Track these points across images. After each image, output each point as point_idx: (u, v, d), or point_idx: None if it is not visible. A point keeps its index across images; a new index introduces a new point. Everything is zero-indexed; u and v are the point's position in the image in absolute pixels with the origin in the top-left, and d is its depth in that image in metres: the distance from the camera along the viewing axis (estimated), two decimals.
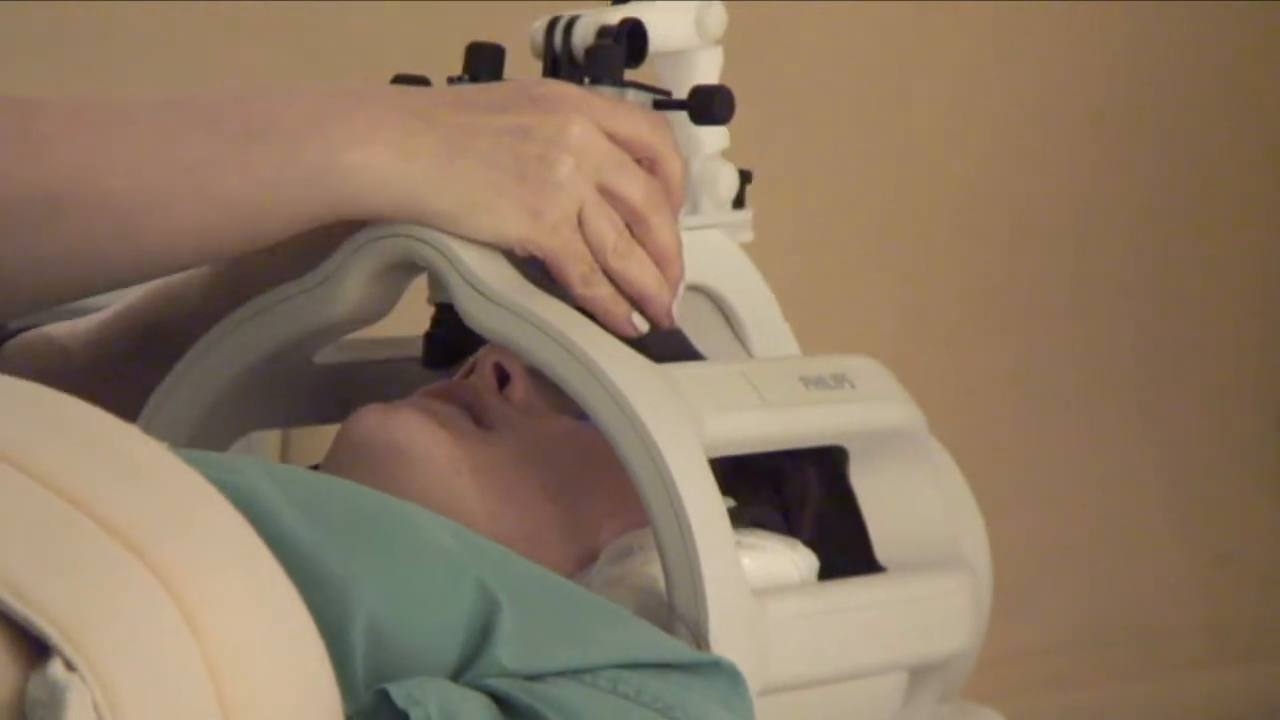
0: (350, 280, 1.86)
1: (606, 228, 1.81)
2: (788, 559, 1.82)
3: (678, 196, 1.86)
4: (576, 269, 1.81)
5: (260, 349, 1.92)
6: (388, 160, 1.83)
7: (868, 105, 3.55)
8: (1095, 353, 3.58)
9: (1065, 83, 3.78)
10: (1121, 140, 3.84)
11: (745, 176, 1.95)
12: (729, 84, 1.95)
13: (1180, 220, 3.84)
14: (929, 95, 3.73)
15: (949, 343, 3.16)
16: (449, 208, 1.82)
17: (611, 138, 1.83)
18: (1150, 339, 3.65)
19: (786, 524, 1.88)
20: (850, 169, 3.16)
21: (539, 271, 1.80)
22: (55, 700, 1.38)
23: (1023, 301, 3.57)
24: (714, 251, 1.98)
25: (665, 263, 1.85)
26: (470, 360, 1.90)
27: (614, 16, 1.89)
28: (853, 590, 1.84)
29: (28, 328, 2.19)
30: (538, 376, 1.82)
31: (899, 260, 3.50)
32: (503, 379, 1.86)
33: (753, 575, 1.76)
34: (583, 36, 1.91)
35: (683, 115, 1.92)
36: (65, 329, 2.17)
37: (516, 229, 1.80)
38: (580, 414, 1.76)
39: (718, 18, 1.95)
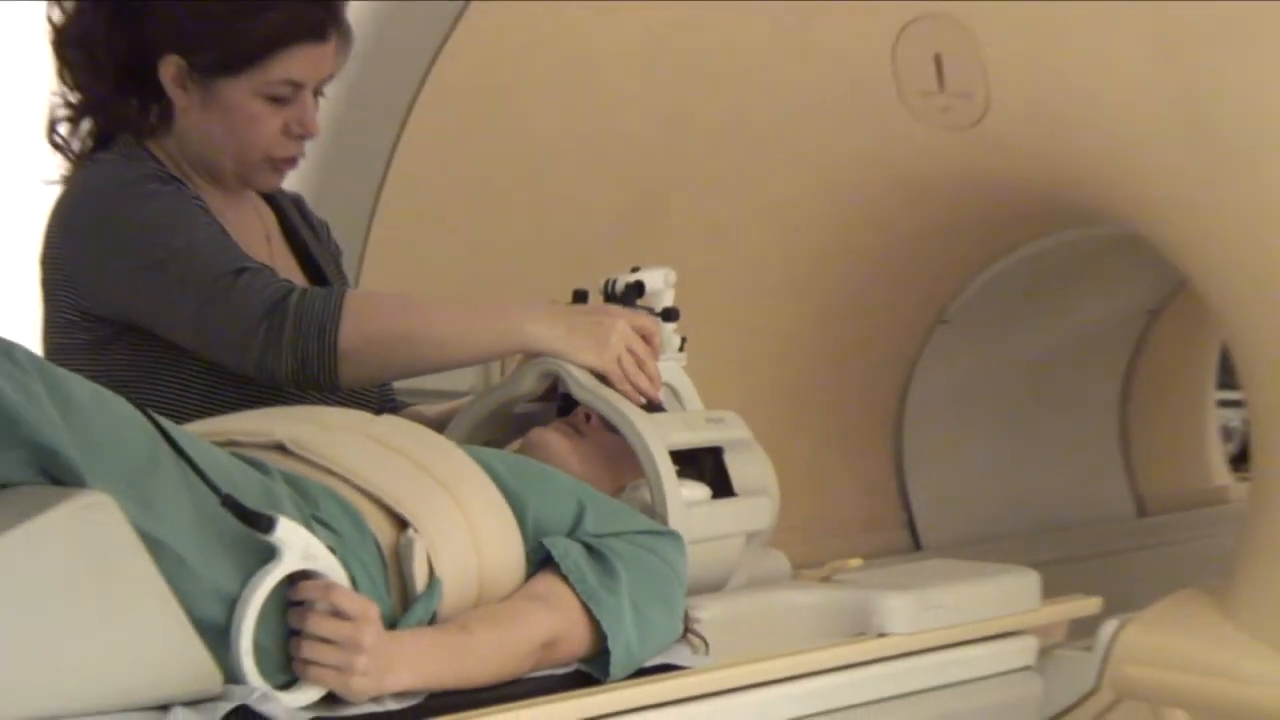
0: (526, 379, 2.33)
1: (630, 364, 2.27)
2: (699, 491, 2.30)
3: (657, 351, 2.31)
4: (617, 377, 2.27)
5: (490, 406, 2.38)
6: (544, 331, 2.27)
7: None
8: (808, 376, 3.15)
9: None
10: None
11: (684, 340, 2.38)
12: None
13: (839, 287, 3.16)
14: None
15: (743, 390, 2.80)
16: (567, 351, 2.27)
17: (635, 327, 2.28)
18: (833, 361, 3.19)
19: (699, 477, 2.32)
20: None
21: (602, 379, 2.28)
22: (410, 544, 1.96)
23: (774, 354, 3.13)
24: (672, 370, 2.39)
25: (653, 381, 2.30)
26: (576, 410, 2.33)
27: (632, 278, 2.35)
28: (725, 502, 2.33)
29: (408, 404, 2.52)
30: (602, 417, 2.29)
31: (732, 349, 3.05)
32: (587, 417, 2.31)
33: (685, 496, 2.26)
34: (619, 286, 2.36)
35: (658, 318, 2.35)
36: (425, 408, 2.48)
37: (594, 361, 2.27)
38: (619, 432, 2.26)
39: (674, 277, 2.38)
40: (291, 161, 2.36)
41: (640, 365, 2.27)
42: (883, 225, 2.91)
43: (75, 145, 2.32)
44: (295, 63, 2.27)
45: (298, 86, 2.29)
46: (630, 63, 2.84)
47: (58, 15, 2.28)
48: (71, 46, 2.28)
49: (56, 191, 2.33)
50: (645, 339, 2.29)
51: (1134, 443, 3.59)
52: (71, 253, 2.26)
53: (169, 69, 2.27)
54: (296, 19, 2.24)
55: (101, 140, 2.32)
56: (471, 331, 2.23)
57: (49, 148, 2.32)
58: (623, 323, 2.26)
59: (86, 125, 2.33)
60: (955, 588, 2.45)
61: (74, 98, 2.31)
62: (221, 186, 2.36)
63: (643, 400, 2.28)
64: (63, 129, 2.31)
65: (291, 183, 2.47)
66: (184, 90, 2.28)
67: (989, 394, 3.30)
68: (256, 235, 2.41)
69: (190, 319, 2.19)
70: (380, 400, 2.47)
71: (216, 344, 2.21)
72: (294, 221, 2.49)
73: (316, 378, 2.21)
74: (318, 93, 2.32)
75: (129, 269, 2.20)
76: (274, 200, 2.49)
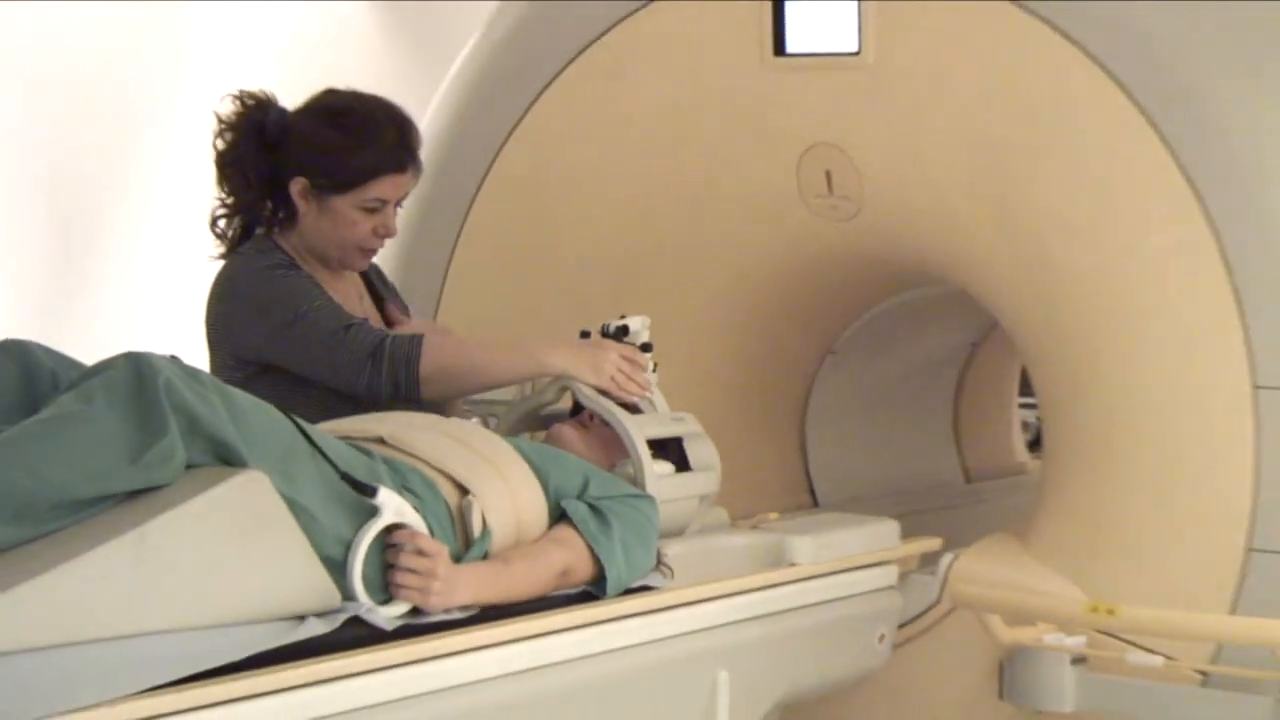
0: (548, 392, 2.30)
1: (623, 379, 2.24)
2: (667, 467, 2.26)
3: (643, 369, 2.27)
4: (613, 389, 2.24)
5: (525, 410, 2.34)
6: (559, 360, 2.23)
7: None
8: (740, 388, 2.91)
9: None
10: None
11: (655, 364, 2.31)
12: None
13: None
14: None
15: (696, 397, 2.55)
16: (576, 373, 2.24)
17: (622, 356, 2.25)
18: (758, 378, 2.94)
19: (666, 458, 2.27)
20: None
21: (601, 391, 2.24)
22: (470, 505, 1.93)
23: (717, 373, 2.87)
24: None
25: (643, 386, 2.26)
26: (582, 413, 2.28)
27: (620, 322, 2.31)
28: (684, 475, 2.29)
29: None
30: (600, 417, 2.24)
31: (689, 370, 2.71)
32: (591, 417, 2.25)
33: (657, 471, 2.22)
34: (611, 328, 2.31)
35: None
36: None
37: (594, 379, 2.24)
38: (612, 427, 2.22)
39: (649, 321, 2.31)
40: (375, 251, 2.35)
41: (630, 378, 2.25)
42: (790, 286, 2.88)
43: (229, 234, 2.32)
44: (383, 186, 2.26)
45: (384, 202, 2.28)
46: (616, 177, 2.83)
47: (220, 144, 2.28)
48: (229, 166, 2.28)
49: (218, 265, 2.32)
50: (632, 362, 2.27)
51: (963, 432, 3.54)
52: (226, 318, 2.26)
53: (297, 186, 2.27)
54: (385, 156, 2.24)
55: (246, 231, 2.31)
56: (509, 362, 2.22)
57: (211, 235, 2.32)
58: (614, 353, 2.25)
59: (236, 221, 2.32)
60: (842, 532, 2.43)
61: (229, 201, 2.30)
62: (327, 268, 2.34)
63: (630, 403, 2.26)
64: (220, 223, 2.31)
65: (395, 258, 2.49)
66: (306, 201, 2.27)
67: (865, 400, 3.26)
68: (353, 298, 2.39)
69: (316, 360, 2.18)
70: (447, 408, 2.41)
71: (335, 376, 2.19)
72: (376, 286, 2.48)
73: (405, 395, 2.19)
74: (398, 204, 2.31)
75: (269, 328, 2.21)
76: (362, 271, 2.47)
